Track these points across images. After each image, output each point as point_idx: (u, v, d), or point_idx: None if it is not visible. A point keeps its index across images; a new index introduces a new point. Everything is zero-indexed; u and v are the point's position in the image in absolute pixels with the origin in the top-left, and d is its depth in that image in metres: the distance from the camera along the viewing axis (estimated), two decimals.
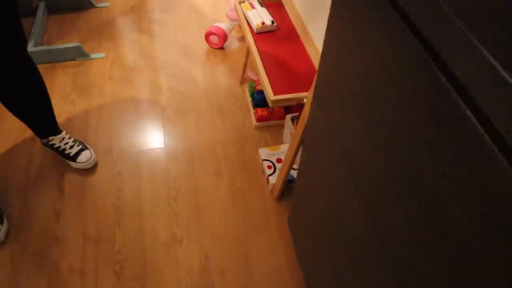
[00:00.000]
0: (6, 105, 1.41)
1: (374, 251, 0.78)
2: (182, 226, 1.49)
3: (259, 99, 1.84)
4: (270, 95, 1.29)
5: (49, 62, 2.01)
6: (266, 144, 1.77)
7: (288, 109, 1.82)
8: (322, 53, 0.91)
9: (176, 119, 1.83)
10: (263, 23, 1.51)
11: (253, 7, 1.59)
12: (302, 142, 1.35)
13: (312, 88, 1.20)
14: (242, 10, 1.59)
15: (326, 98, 0.93)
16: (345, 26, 0.78)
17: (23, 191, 1.55)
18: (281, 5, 1.66)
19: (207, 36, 2.13)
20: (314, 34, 1.31)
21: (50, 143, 1.59)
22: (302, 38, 1.46)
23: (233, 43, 2.22)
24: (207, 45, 2.18)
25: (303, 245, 1.32)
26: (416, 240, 0.60)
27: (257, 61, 1.39)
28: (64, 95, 1.89)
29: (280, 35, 1.53)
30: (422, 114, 0.53)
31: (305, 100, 1.29)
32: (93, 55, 2.06)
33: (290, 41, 1.51)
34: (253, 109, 1.86)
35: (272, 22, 1.53)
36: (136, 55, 2.11)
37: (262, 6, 1.60)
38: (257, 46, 1.46)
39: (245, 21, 1.55)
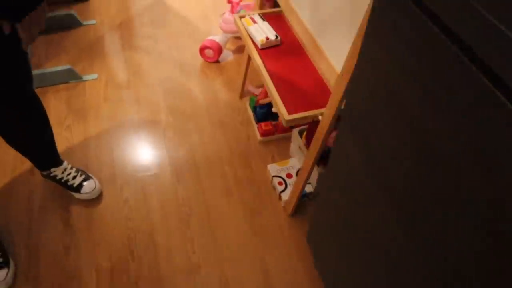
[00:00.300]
0: (10, 140, 1.35)
1: (410, 265, 0.76)
2: (198, 251, 1.45)
3: (261, 114, 1.80)
4: (284, 115, 1.26)
5: (41, 87, 1.93)
6: (273, 159, 1.74)
7: None
8: (354, 74, 0.88)
9: (179, 139, 1.78)
10: (267, 38, 1.48)
11: (254, 21, 1.55)
12: (317, 160, 1.33)
13: (330, 105, 1.17)
14: (244, 26, 1.55)
15: (360, 120, 0.91)
16: (383, 46, 0.75)
17: (27, 229, 1.48)
18: (281, 17, 1.63)
19: (202, 50, 2.08)
20: (326, 49, 1.28)
21: (52, 175, 1.53)
22: (310, 52, 1.44)
23: (228, 56, 2.18)
24: (201, 59, 2.14)
25: (326, 260, 1.30)
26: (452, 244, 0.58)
27: (267, 79, 1.36)
28: (59, 120, 1.82)
29: (284, 50, 1.50)
30: (472, 130, 0.51)
31: (320, 118, 1.26)
32: (85, 77, 1.99)
33: (296, 56, 1.48)
34: (256, 123, 1.83)
35: (276, 37, 1.50)
36: (129, 73, 2.05)
37: (264, 20, 1.56)
38: (264, 64, 1.42)
39: (248, 37, 1.52)
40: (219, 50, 2.06)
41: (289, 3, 1.49)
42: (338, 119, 1.38)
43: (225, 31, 2.04)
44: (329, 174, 1.14)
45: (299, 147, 1.63)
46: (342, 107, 1.21)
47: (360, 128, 0.91)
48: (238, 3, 1.99)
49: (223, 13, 2.13)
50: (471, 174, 0.55)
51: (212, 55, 2.08)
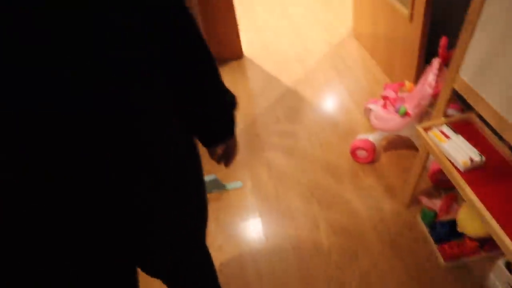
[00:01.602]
0: None
1: None
2: None
3: (444, 233, 1.52)
4: None
5: None
6: None
7: (483, 240, 1.48)
8: None
9: (346, 265, 1.54)
10: (471, 160, 1.23)
11: (447, 136, 1.31)
12: None
13: None
14: (435, 143, 1.32)
15: None
16: None
17: None
18: (472, 126, 1.38)
19: (353, 150, 1.88)
20: None
21: None
22: None
23: (378, 154, 1.95)
24: (351, 160, 1.93)
25: None
26: None
27: (488, 218, 1.10)
28: (211, 241, 1.68)
29: (491, 172, 1.24)
30: None
31: None
32: (229, 186, 1.86)
33: (508, 181, 1.21)
34: (436, 244, 1.54)
35: (480, 157, 1.24)
36: (275, 179, 1.88)
37: (456, 133, 1.32)
38: (476, 194, 1.16)
39: (444, 157, 1.28)
40: (373, 150, 1.85)
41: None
42: None
43: (380, 129, 1.82)
44: None
45: (509, 284, 1.31)
46: None
47: None
48: (395, 100, 1.78)
49: (368, 106, 1.94)
50: None
51: (365, 155, 1.87)
